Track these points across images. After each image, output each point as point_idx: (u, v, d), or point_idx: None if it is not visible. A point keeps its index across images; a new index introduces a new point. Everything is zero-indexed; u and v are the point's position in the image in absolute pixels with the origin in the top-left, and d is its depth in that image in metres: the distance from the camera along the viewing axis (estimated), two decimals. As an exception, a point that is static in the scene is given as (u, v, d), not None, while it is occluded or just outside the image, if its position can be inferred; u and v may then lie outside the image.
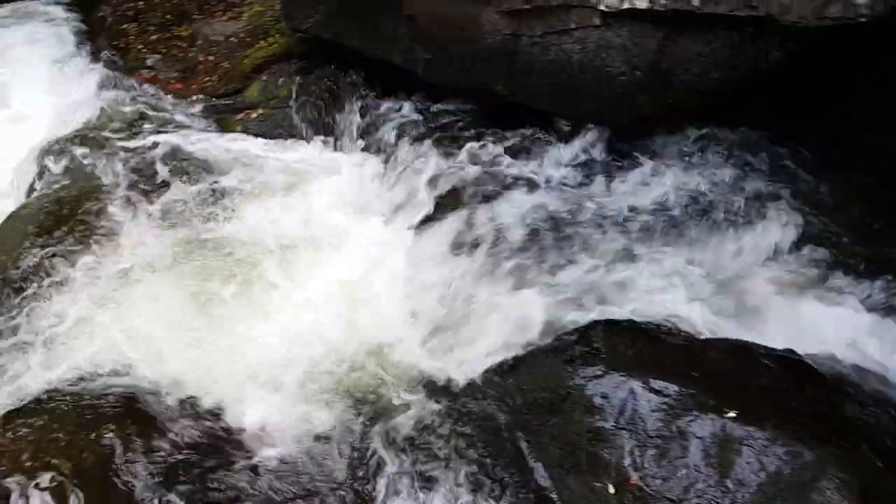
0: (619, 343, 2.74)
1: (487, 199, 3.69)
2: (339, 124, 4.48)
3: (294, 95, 4.65)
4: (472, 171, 3.82)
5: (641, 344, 2.76)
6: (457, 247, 3.55)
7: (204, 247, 3.65)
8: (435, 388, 3.00)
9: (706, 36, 3.27)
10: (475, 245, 3.51)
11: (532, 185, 3.68)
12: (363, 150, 4.34)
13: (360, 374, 3.11)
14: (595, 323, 2.87)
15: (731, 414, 2.42)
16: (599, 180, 3.64)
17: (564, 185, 3.61)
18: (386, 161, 4.19)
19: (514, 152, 3.85)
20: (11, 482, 2.31)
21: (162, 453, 2.60)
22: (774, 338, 2.85)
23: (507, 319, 3.13)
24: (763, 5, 3.04)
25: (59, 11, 6.84)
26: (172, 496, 2.49)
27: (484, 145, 3.92)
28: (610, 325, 2.84)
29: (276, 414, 2.90)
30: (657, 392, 2.52)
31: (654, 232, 3.39)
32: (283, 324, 3.30)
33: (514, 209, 3.60)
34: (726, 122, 3.73)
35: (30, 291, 3.26)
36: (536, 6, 3.46)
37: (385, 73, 4.44)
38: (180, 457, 2.63)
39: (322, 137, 4.39)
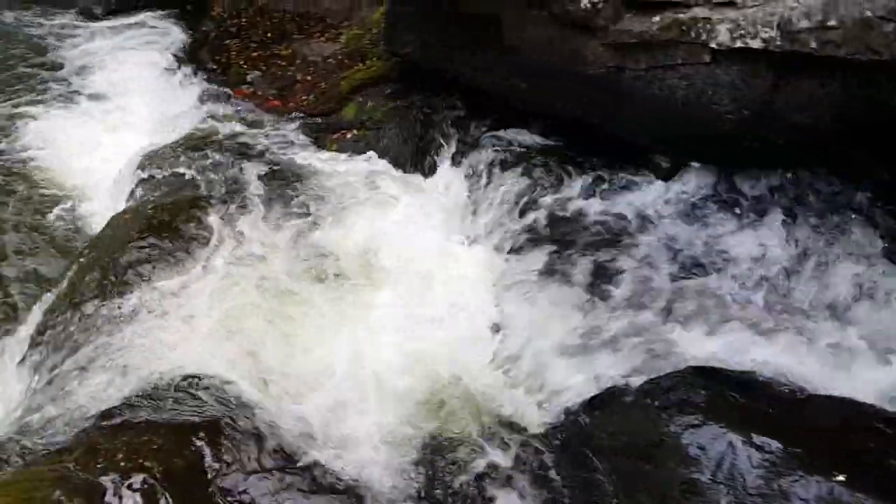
0: (718, 393, 2.62)
1: (577, 231, 3.63)
2: (431, 149, 4.51)
3: (388, 118, 4.72)
4: (563, 202, 3.78)
5: (742, 395, 2.64)
6: (544, 277, 3.51)
7: (294, 259, 3.71)
8: (517, 419, 2.94)
9: (821, 79, 3.14)
10: (563, 277, 3.46)
11: (625, 222, 3.60)
12: (453, 175, 4.35)
13: (440, 399, 3.07)
14: (693, 369, 2.77)
15: (840, 478, 2.28)
16: (696, 221, 3.53)
17: (660, 223, 3.51)
18: (476, 187, 4.18)
19: (608, 186, 3.78)
20: (106, 480, 2.35)
21: (251, 464, 2.62)
22: (885, 397, 2.68)
23: (596, 356, 3.06)
24: (887, 50, 2.90)
25: (167, 24, 7.23)
26: (259, 497, 2.51)
27: (577, 177, 3.87)
28: (709, 372, 2.74)
29: (356, 428, 2.91)
30: (759, 448, 2.39)
31: (753, 279, 3.25)
32: (364, 341, 3.30)
33: (603, 244, 3.53)
34: (836, 168, 3.57)
35: (129, 292, 3.36)
36: (644, 40, 3.41)
37: (480, 100, 4.45)
38: (269, 467, 2.64)
39: (413, 160, 4.44)
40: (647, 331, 3.05)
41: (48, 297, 3.64)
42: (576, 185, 3.79)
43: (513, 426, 2.89)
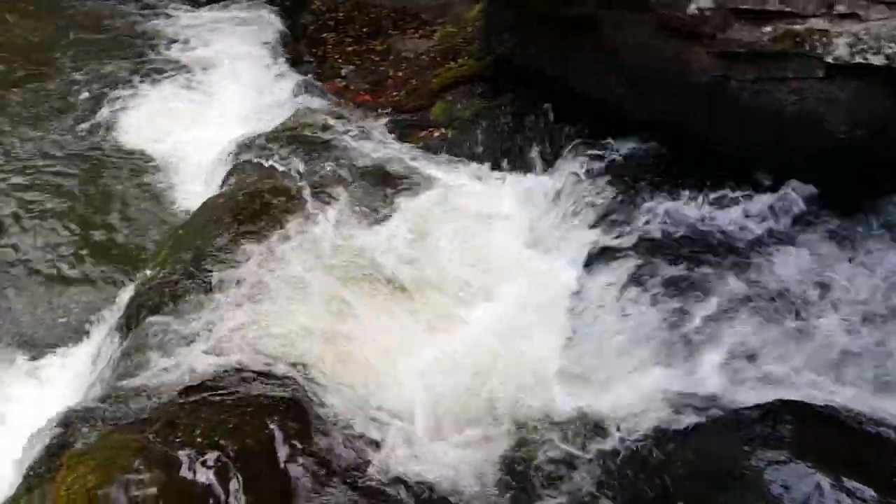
0: (808, 430, 2.48)
1: (667, 246, 3.50)
2: (519, 152, 4.46)
3: (477, 118, 4.70)
4: (655, 214, 3.66)
5: (833, 434, 2.48)
6: (627, 291, 3.39)
7: (374, 256, 3.70)
8: (590, 439, 2.85)
9: (951, 102, 2.93)
10: (648, 292, 3.33)
11: (719, 238, 3.44)
12: (540, 180, 4.28)
13: (512, 409, 3.01)
14: (781, 402, 2.62)
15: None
16: (796, 244, 3.34)
17: (757, 242, 3.34)
18: (564, 194, 4.09)
19: (703, 199, 3.62)
20: (182, 454, 2.42)
21: (318, 451, 2.64)
22: None
23: (677, 379, 2.94)
24: None
25: (268, 15, 7.39)
26: (322, 493, 2.53)
27: (670, 188, 3.74)
28: (798, 407, 2.58)
29: (423, 429, 2.90)
30: (850, 493, 2.25)
31: (855, 312, 3.04)
32: (439, 342, 3.29)
33: (695, 260, 3.39)
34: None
35: (217, 274, 3.45)
36: (753, 50, 3.26)
37: (573, 104, 4.35)
38: (334, 456, 2.66)
39: (501, 163, 4.40)
40: (735, 357, 2.90)
41: (143, 272, 3.79)
42: (669, 196, 3.64)
43: (585, 445, 2.79)
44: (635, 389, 2.98)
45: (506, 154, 4.42)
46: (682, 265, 3.30)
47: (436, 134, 4.79)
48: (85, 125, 5.54)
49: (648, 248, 3.44)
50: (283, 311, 3.19)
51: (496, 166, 4.40)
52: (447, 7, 6.17)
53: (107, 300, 3.86)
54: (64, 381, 3.39)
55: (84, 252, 4.26)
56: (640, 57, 3.78)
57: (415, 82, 5.51)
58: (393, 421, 2.86)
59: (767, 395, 2.68)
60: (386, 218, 3.92)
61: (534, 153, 4.35)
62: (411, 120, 5.08)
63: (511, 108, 4.63)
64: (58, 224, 4.47)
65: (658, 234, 3.48)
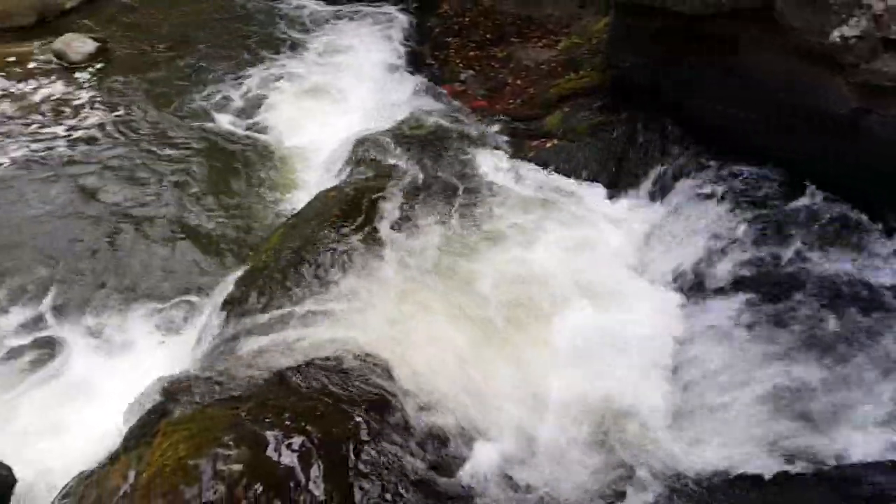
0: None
1: (783, 282, 3.30)
2: (632, 172, 4.34)
3: (592, 132, 4.61)
4: (771, 248, 3.46)
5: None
6: (733, 325, 3.22)
7: (472, 267, 3.68)
8: (683, 475, 2.72)
9: None
10: (755, 329, 3.16)
11: (841, 279, 3.21)
12: (650, 203, 4.16)
13: (606, 434, 2.92)
14: (894, 464, 2.40)
15: None
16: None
17: (884, 288, 3.08)
18: (673, 218, 3.96)
19: (825, 236, 3.39)
20: (270, 435, 2.50)
21: (396, 450, 2.67)
22: None
23: (780, 422, 2.76)
24: None
25: (396, 16, 7.56)
26: (395, 491, 2.54)
27: (791, 222, 3.53)
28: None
29: (510, 447, 2.85)
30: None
31: None
32: (530, 364, 3.22)
33: (809, 299, 3.18)
34: None
35: (321, 264, 3.55)
36: (900, 85, 3.02)
37: (694, 125, 4.21)
38: (410, 457, 2.67)
39: (612, 180, 4.30)
40: (848, 408, 2.69)
41: (255, 255, 3.96)
42: (788, 229, 3.44)
43: (679, 486, 2.67)
44: (734, 430, 2.82)
45: (619, 171, 4.31)
46: (793, 301, 3.11)
47: (548, 144, 4.73)
48: (213, 109, 5.88)
49: (759, 280, 3.26)
50: (379, 310, 3.24)
51: (607, 183, 4.29)
52: (574, 18, 6.09)
53: (218, 277, 4.07)
54: (171, 350, 3.60)
55: (202, 229, 4.52)
56: (773, 81, 3.60)
57: (532, 91, 5.48)
58: (475, 435, 2.84)
59: (877, 452, 2.47)
60: (489, 228, 3.90)
61: (648, 172, 4.22)
62: (525, 128, 5.05)
63: (629, 123, 4.52)
64: (181, 200, 4.78)
65: (775, 271, 3.29)
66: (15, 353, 3.67)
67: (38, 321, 3.85)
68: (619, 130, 4.51)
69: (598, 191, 4.25)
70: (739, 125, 3.90)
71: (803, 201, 3.55)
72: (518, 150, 4.73)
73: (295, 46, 6.98)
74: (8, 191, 4.83)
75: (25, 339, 3.75)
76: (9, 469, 2.83)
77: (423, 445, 2.71)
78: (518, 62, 5.95)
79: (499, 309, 3.38)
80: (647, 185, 4.19)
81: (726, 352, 3.07)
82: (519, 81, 5.70)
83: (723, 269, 3.44)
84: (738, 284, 3.33)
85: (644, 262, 3.73)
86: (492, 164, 4.48)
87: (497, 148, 4.76)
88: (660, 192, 4.12)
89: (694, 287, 3.47)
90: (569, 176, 4.37)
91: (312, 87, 6.25)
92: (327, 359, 2.94)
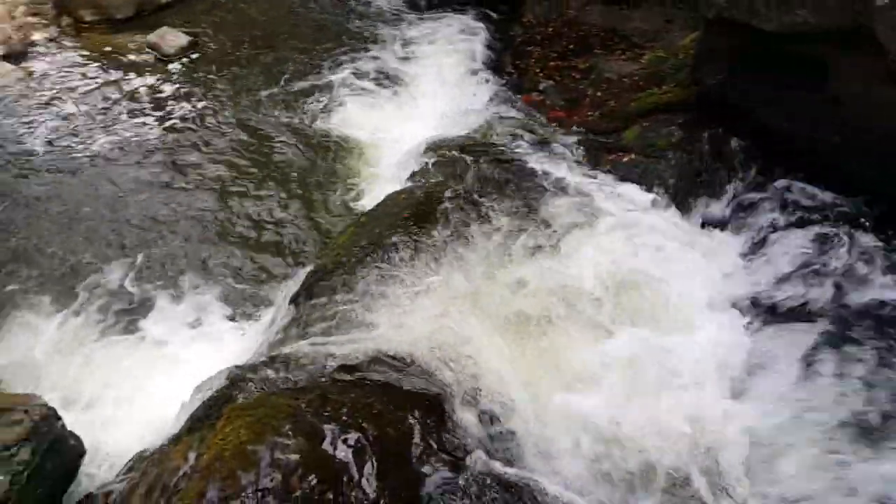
0: None
1: (865, 314, 3.14)
2: (709, 190, 4.22)
3: (672, 148, 4.50)
4: (853, 277, 3.30)
5: None
6: (807, 358, 3.07)
7: (537, 280, 3.62)
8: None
9: None
10: (833, 363, 3.01)
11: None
12: (726, 224, 4.03)
13: (662, 464, 2.82)
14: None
15: None
16: None
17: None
18: (750, 241, 3.83)
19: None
20: (327, 428, 2.53)
21: (451, 453, 2.65)
22: None
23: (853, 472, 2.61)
24: None
25: (479, 25, 7.57)
26: (448, 495, 2.53)
27: (876, 253, 3.36)
28: None
29: (571, 461, 2.82)
30: None
31: None
32: (592, 384, 3.13)
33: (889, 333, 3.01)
34: None
35: (387, 264, 3.58)
36: None
37: (779, 147, 4.06)
38: (465, 461, 2.65)
39: (690, 200, 4.19)
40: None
41: (325, 250, 4.03)
42: (872, 260, 3.27)
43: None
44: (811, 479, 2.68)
45: (697, 191, 4.20)
46: (877, 336, 2.93)
47: (625, 159, 4.64)
48: (295, 104, 6.04)
49: (839, 311, 3.11)
50: (442, 312, 3.24)
51: (683, 201, 4.18)
52: (660, 32, 5.97)
53: (289, 270, 4.17)
54: (242, 336, 3.69)
55: (277, 223, 4.64)
56: (866, 107, 3.43)
57: (612, 104, 5.39)
58: (532, 446, 2.80)
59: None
60: (555, 238, 3.85)
61: (726, 192, 4.10)
62: (602, 141, 4.97)
63: (711, 142, 4.40)
64: (258, 191, 4.93)
65: (853, 301, 3.13)
66: (98, 321, 3.84)
67: (124, 292, 4.05)
68: (700, 148, 4.39)
69: (672, 208, 4.14)
70: (828, 150, 3.74)
71: (889, 232, 3.37)
72: (593, 163, 4.65)
73: (376, 48, 7.09)
74: (104, 171, 5.12)
75: (111, 308, 3.94)
76: (78, 439, 2.95)
77: (475, 448, 2.68)
78: (599, 74, 5.86)
79: (560, 321, 3.33)
80: (723, 205, 4.07)
81: (794, 384, 2.94)
82: (599, 93, 5.62)
83: (797, 297, 3.29)
84: (812, 313, 3.18)
85: (714, 283, 3.60)
86: (564, 174, 4.42)
87: (571, 159, 4.69)
88: (736, 213, 4.00)
89: (765, 313, 3.33)
90: (643, 191, 4.26)
91: (390, 88, 6.34)
92: (388, 357, 2.95)
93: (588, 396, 2.99)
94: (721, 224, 4.01)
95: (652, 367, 3.11)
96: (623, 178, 4.42)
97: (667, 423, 2.88)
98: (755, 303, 3.44)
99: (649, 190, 4.25)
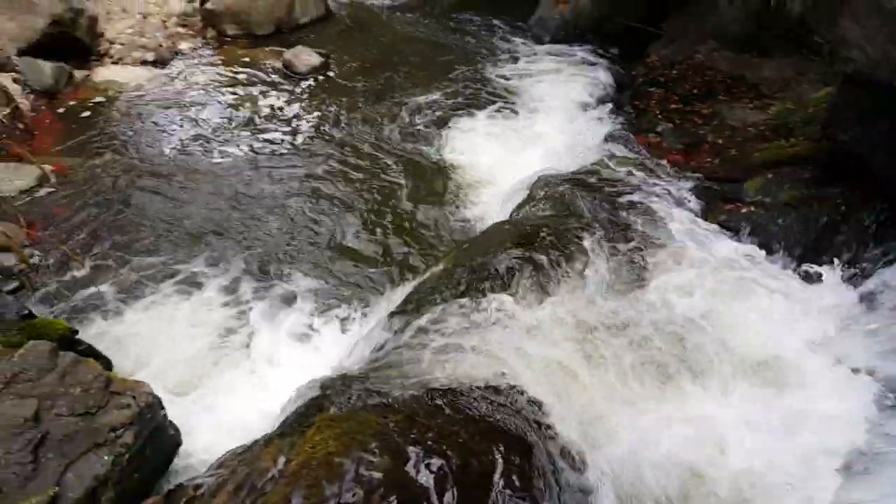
0: None
1: None
2: (833, 250, 3.98)
3: (794, 204, 4.29)
4: None
5: None
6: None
7: (639, 323, 3.52)
8: None
9: None
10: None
11: None
12: (849, 285, 3.79)
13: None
14: None
15: None
16: None
17: None
18: (873, 306, 3.59)
19: None
20: (412, 451, 2.53)
21: (533, 493, 2.60)
22: None
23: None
24: None
25: (601, 62, 7.58)
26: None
27: None
28: None
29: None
30: None
31: None
32: (694, 435, 3.01)
33: None
34: None
35: (485, 292, 3.59)
36: None
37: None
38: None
39: (808, 256, 3.97)
40: None
41: (426, 272, 4.10)
42: None
43: None
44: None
45: (818, 247, 3.97)
46: None
47: (743, 210, 4.46)
48: (413, 128, 6.24)
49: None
50: (537, 347, 3.21)
51: (803, 258, 3.97)
52: (790, 83, 5.73)
53: (391, 286, 4.27)
54: (337, 349, 3.79)
55: (384, 240, 4.77)
56: None
57: (734, 152, 5.21)
58: (618, 485, 2.72)
59: None
60: (664, 283, 3.74)
61: (851, 252, 3.86)
62: (720, 189, 4.80)
63: (838, 201, 4.16)
64: (368, 207, 5.10)
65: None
66: (208, 318, 4.04)
67: (236, 292, 4.24)
68: (826, 206, 4.16)
69: (791, 264, 3.95)
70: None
71: None
72: (709, 211, 4.50)
73: (495, 77, 7.22)
74: (228, 176, 5.45)
75: (222, 306, 4.13)
76: (177, 429, 3.09)
77: (559, 490, 2.62)
78: (723, 121, 5.69)
79: (670, 369, 3.23)
80: (847, 266, 3.82)
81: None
82: (721, 140, 5.45)
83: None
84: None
85: (834, 346, 3.39)
86: (677, 219, 4.30)
87: (686, 205, 4.57)
88: (861, 275, 3.75)
89: (889, 381, 3.10)
90: (762, 245, 4.09)
91: (506, 118, 6.42)
92: (479, 386, 2.94)
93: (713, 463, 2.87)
94: (843, 284, 3.77)
95: (778, 429, 2.96)
96: (740, 229, 4.27)
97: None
98: (875, 365, 3.20)
99: (769, 244, 4.07)
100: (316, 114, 6.52)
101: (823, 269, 3.87)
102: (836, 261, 3.91)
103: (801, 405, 3.06)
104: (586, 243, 4.01)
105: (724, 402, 3.15)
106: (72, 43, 7.04)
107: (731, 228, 4.29)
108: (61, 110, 6.34)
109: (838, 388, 3.13)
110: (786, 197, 4.38)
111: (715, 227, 4.29)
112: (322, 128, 6.26)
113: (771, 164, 4.77)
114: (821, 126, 4.50)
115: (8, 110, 5.71)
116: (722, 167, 5.10)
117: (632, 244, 4.02)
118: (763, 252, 4.03)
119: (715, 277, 3.75)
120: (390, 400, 2.85)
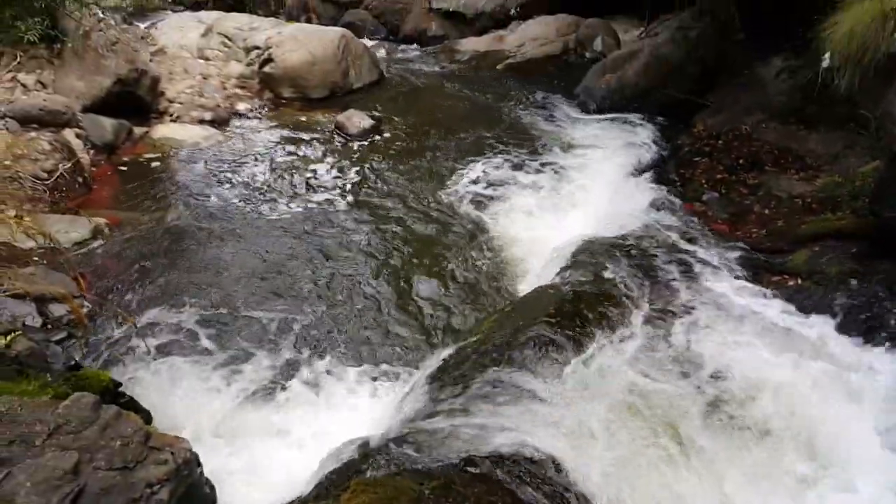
0: None
1: None
2: (885, 326, 3.86)
3: (843, 278, 4.20)
4: None
5: None
6: None
7: (680, 402, 3.43)
8: None
9: None
10: None
11: None
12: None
13: None
14: None
15: None
16: None
17: None
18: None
19: None
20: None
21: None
22: None
23: None
24: None
25: (646, 130, 7.66)
26: None
27: None
28: None
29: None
30: None
31: None
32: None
33: None
34: None
35: (526, 359, 3.55)
36: None
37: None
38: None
39: (859, 332, 3.86)
40: None
41: (466, 336, 4.09)
42: None
43: None
44: None
45: (869, 323, 3.86)
46: None
47: (790, 283, 4.38)
48: (459, 191, 6.33)
49: None
50: (576, 417, 3.15)
51: (854, 334, 3.85)
52: (838, 156, 5.68)
53: (430, 349, 4.25)
54: (374, 412, 3.77)
55: (425, 303, 4.77)
56: None
57: (781, 224, 5.15)
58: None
59: None
60: (708, 356, 3.66)
61: (896, 335, 3.74)
62: (766, 261, 4.74)
63: (886, 277, 4.07)
64: (411, 269, 5.13)
65: None
66: (249, 375, 4.06)
67: (278, 349, 4.24)
68: (877, 283, 4.07)
69: (842, 339, 3.83)
70: None
71: None
72: (755, 282, 4.44)
73: (542, 143, 7.34)
74: (283, 237, 5.52)
75: (263, 362, 4.12)
76: (212, 487, 3.06)
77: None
78: (768, 191, 5.65)
79: (729, 453, 3.13)
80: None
81: None
82: (767, 211, 5.40)
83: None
84: None
85: (884, 422, 3.26)
86: (723, 290, 4.25)
87: (732, 275, 4.51)
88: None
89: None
90: (811, 318, 4.00)
91: (551, 182, 6.49)
92: (517, 455, 2.89)
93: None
94: (890, 362, 3.65)
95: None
96: (788, 302, 4.18)
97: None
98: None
99: (817, 318, 3.98)
100: (365, 175, 6.68)
101: (875, 346, 3.75)
102: (886, 335, 3.79)
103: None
104: (630, 309, 3.98)
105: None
106: (134, 101, 7.39)
107: (780, 299, 4.20)
108: (119, 165, 6.62)
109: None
110: (833, 271, 4.30)
111: (762, 299, 4.20)
112: (370, 189, 6.39)
113: (818, 236, 4.71)
114: (868, 200, 4.44)
115: (69, 164, 5.97)
116: (768, 238, 5.04)
117: (676, 311, 3.98)
118: (813, 325, 3.92)
119: (766, 351, 3.66)
120: (426, 466, 2.82)
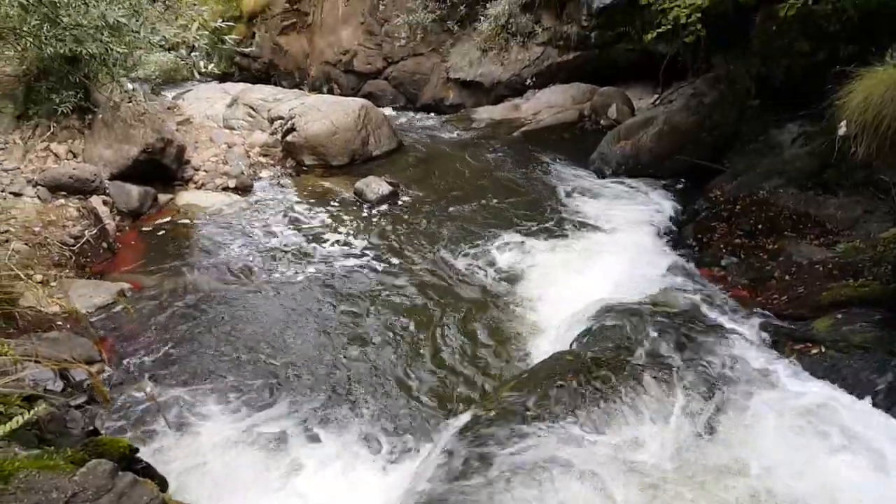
0: None
1: None
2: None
3: (869, 347, 4.13)
4: None
5: None
6: None
7: (714, 462, 3.38)
8: None
9: None
10: None
11: None
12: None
13: None
14: None
15: None
16: None
17: None
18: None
19: None
20: None
21: None
22: None
23: None
24: None
25: (662, 194, 7.73)
26: None
27: None
28: None
29: None
30: None
31: None
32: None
33: None
34: None
35: (545, 427, 3.52)
36: None
37: None
38: None
39: (886, 401, 3.76)
40: None
41: (483, 403, 4.05)
42: None
43: None
44: None
45: (890, 393, 3.76)
46: None
47: (813, 350, 4.31)
48: (476, 257, 6.36)
49: None
50: (596, 487, 3.09)
51: (881, 403, 3.75)
52: (858, 221, 5.66)
53: (446, 418, 4.18)
54: (389, 482, 3.70)
55: (443, 368, 4.73)
56: None
57: (801, 290, 5.10)
58: None
59: None
60: (731, 428, 3.59)
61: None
62: (788, 328, 4.68)
63: (912, 345, 4.00)
64: (427, 336, 5.11)
65: None
66: (267, 443, 4.01)
67: (296, 415, 4.20)
68: (899, 350, 4.00)
69: (868, 409, 3.73)
70: None
71: None
72: (777, 350, 4.38)
73: (558, 209, 7.39)
74: (304, 302, 5.56)
75: (281, 430, 4.07)
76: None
77: None
78: (788, 257, 5.62)
79: None
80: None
81: None
82: (787, 277, 5.36)
83: None
84: None
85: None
86: (745, 358, 4.19)
87: (753, 342, 4.45)
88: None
89: None
90: (835, 389, 3.91)
91: (567, 248, 6.50)
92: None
93: None
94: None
95: None
96: (811, 371, 4.11)
97: None
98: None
99: (842, 388, 3.89)
100: (383, 241, 6.75)
101: (900, 416, 3.66)
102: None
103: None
104: (647, 378, 3.92)
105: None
106: (160, 169, 7.61)
107: (803, 368, 4.13)
108: (144, 231, 6.77)
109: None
110: (857, 340, 4.23)
111: (784, 367, 4.13)
112: (388, 255, 6.45)
113: (840, 303, 4.66)
114: (891, 267, 4.40)
115: (95, 230, 6.12)
116: (789, 304, 4.99)
117: (696, 379, 3.91)
118: (839, 396, 3.84)
119: (788, 423, 3.58)
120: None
